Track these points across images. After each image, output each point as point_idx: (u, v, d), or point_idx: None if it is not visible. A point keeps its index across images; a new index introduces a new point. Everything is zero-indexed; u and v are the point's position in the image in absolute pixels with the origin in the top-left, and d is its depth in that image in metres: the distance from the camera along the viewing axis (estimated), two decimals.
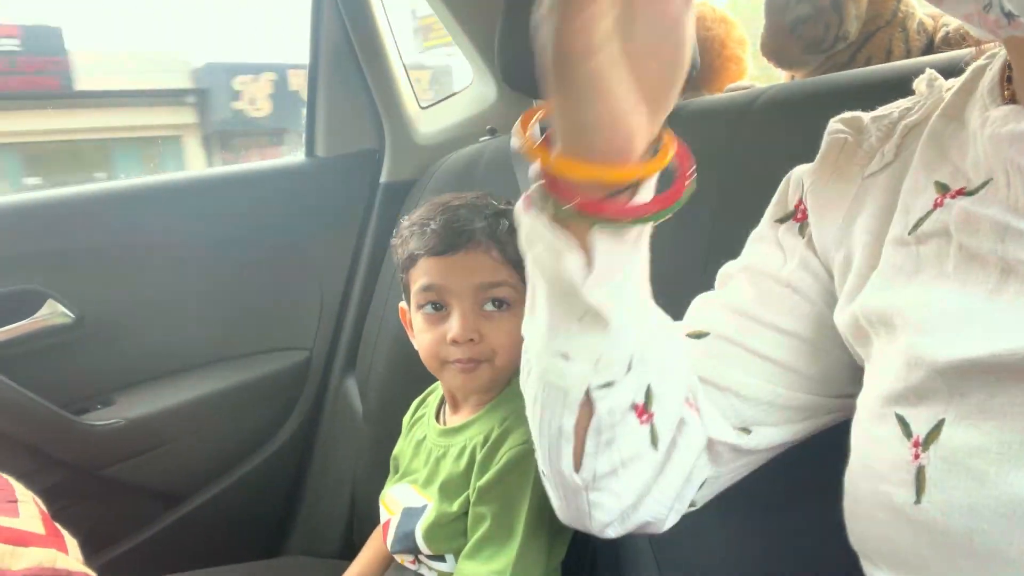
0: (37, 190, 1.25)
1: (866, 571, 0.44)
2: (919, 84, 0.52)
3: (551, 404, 0.47)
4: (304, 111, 1.40)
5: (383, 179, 1.39)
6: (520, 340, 0.74)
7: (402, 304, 0.81)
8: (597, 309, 0.43)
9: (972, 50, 0.50)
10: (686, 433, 0.49)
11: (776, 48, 1.22)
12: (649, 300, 0.48)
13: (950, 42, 1.08)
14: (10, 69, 8.50)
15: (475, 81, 1.47)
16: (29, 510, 0.74)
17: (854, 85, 0.75)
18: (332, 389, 1.37)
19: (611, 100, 0.38)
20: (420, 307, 0.76)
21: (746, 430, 0.51)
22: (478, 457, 0.72)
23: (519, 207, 0.45)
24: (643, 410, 0.47)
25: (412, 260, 0.76)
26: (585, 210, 0.41)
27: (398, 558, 0.82)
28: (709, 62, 1.28)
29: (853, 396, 0.46)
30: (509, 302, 0.74)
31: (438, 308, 0.74)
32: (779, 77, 1.30)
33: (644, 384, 0.47)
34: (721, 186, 0.75)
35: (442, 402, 0.84)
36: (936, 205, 0.43)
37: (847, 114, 0.54)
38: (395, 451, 0.89)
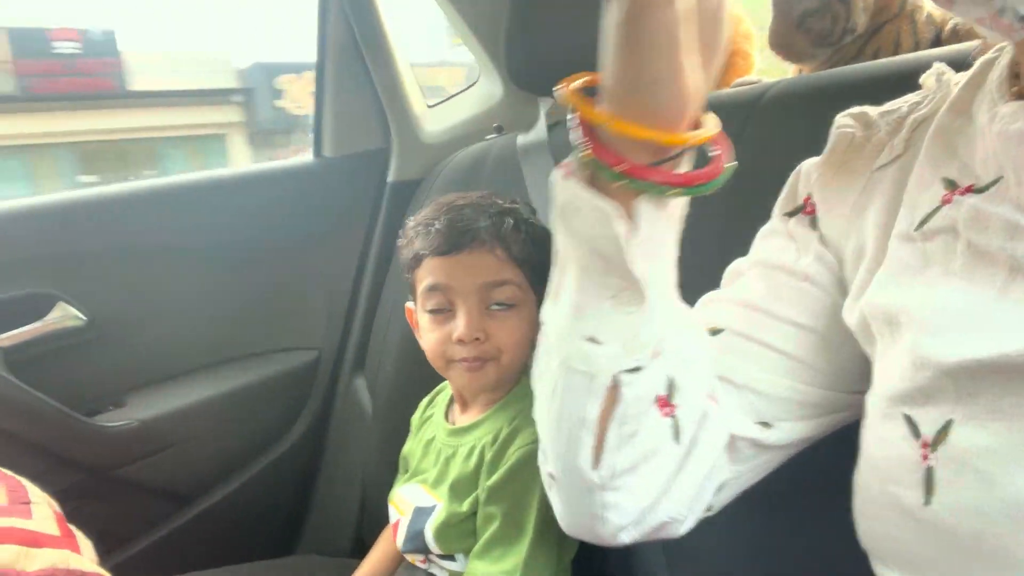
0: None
1: (876, 571, 0.44)
2: (927, 79, 0.52)
3: (573, 392, 0.46)
4: None
5: (390, 178, 1.39)
6: (526, 338, 0.75)
7: (409, 304, 0.81)
8: (637, 280, 0.43)
9: (980, 43, 0.49)
10: (708, 427, 0.48)
11: (784, 42, 1.21)
12: (675, 285, 0.47)
13: (959, 34, 1.07)
14: (69, 71, 8.98)
15: (482, 79, 1.47)
16: (43, 511, 0.74)
17: (862, 79, 0.75)
18: (341, 388, 1.38)
19: (680, 54, 0.38)
20: (426, 307, 0.76)
21: (767, 424, 0.51)
22: (487, 457, 0.72)
23: (557, 175, 0.45)
24: (666, 401, 0.46)
25: (417, 260, 0.76)
26: (636, 175, 0.41)
27: (408, 557, 0.82)
28: None
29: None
30: (514, 301, 0.74)
31: (443, 307, 0.74)
32: (787, 71, 1.29)
33: (667, 374, 0.46)
34: (729, 181, 0.74)
35: (451, 402, 0.84)
36: (944, 202, 0.42)
37: (855, 109, 0.54)
38: (404, 451, 0.89)
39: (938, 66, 0.52)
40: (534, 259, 0.75)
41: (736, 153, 0.45)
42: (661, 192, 0.42)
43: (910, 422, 0.40)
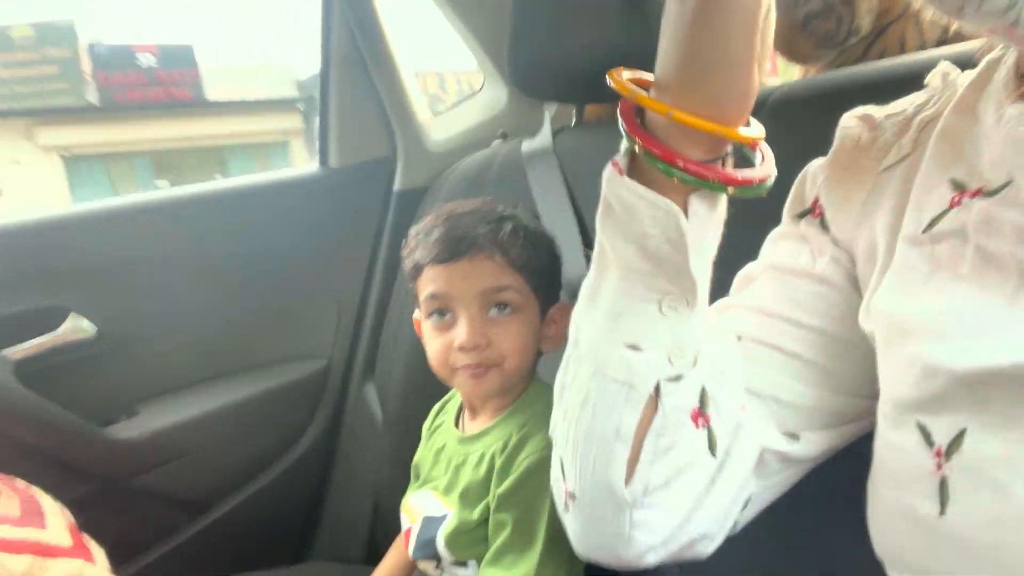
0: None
1: None
2: (932, 78, 0.51)
3: (608, 403, 0.44)
4: None
5: (396, 187, 1.39)
6: (528, 343, 0.75)
7: (415, 315, 0.81)
8: (695, 281, 0.42)
9: (985, 41, 0.48)
10: (742, 439, 0.47)
11: (788, 43, 1.21)
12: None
13: (964, 34, 1.07)
14: (148, 81, 9.83)
15: (486, 86, 1.48)
16: (57, 522, 0.75)
17: (867, 80, 0.75)
18: (352, 397, 1.38)
19: (754, 40, 0.38)
20: (428, 315, 0.76)
21: (794, 436, 0.49)
22: (497, 464, 0.72)
23: (609, 172, 0.43)
24: (699, 412, 0.45)
25: (418, 269, 0.76)
26: (694, 171, 0.40)
27: (421, 564, 0.82)
28: None
29: None
30: (515, 306, 0.74)
31: (445, 315, 0.75)
32: (794, 72, 1.29)
33: (700, 384, 0.45)
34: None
35: (461, 409, 0.85)
36: (953, 204, 0.41)
37: (859, 110, 0.53)
38: (415, 459, 0.89)
39: (943, 65, 0.51)
40: (534, 264, 0.75)
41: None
42: (719, 191, 0.41)
43: (923, 430, 0.39)
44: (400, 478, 0.93)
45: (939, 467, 0.37)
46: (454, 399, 0.88)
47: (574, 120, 1.08)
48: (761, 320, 0.50)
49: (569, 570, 0.72)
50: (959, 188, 0.41)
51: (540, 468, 0.69)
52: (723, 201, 0.43)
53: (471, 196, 0.83)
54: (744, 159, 0.44)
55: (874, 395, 0.48)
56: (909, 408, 0.40)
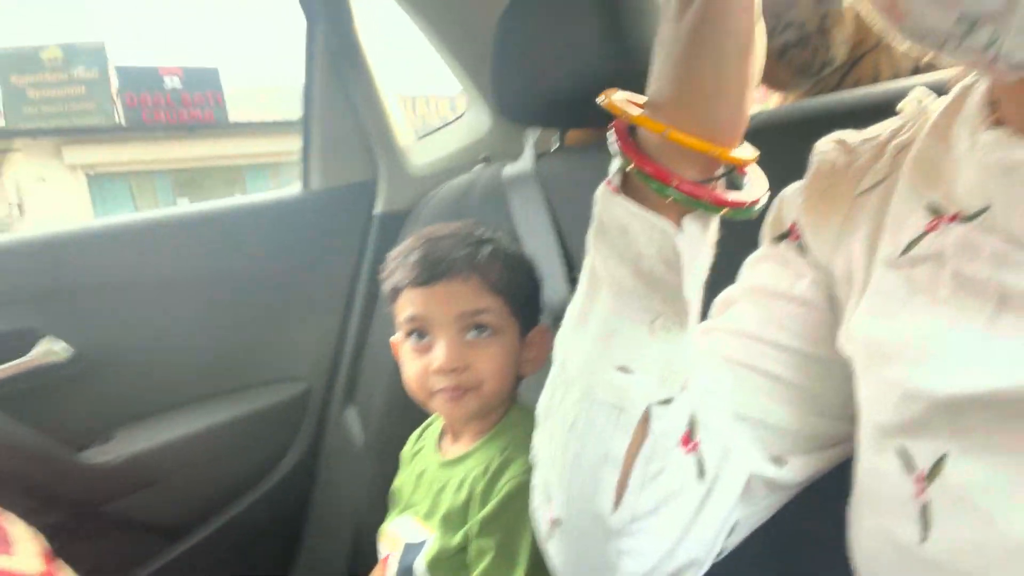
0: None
1: None
2: (906, 104, 0.51)
3: (598, 427, 0.43)
4: None
5: (378, 210, 1.39)
6: (507, 367, 0.74)
7: (394, 338, 0.81)
8: (688, 302, 0.42)
9: (957, 70, 0.49)
10: (730, 463, 0.46)
11: (767, 71, 1.23)
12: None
13: (936, 65, 1.10)
14: (174, 103, 10.40)
15: (469, 110, 1.49)
16: (27, 548, 0.73)
17: (843, 107, 0.76)
18: (332, 420, 1.37)
19: (749, 63, 0.39)
20: (406, 337, 0.76)
21: (780, 460, 0.48)
22: (478, 489, 0.72)
23: (602, 191, 0.43)
24: (688, 437, 0.44)
25: (396, 292, 0.77)
26: (689, 192, 0.40)
27: None
28: None
29: None
30: (493, 328, 0.74)
31: (423, 338, 0.75)
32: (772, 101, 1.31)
33: (690, 408, 0.44)
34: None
35: (442, 433, 0.84)
36: (929, 228, 0.41)
37: (834, 135, 0.53)
38: (395, 485, 0.88)
39: (917, 91, 0.51)
40: (514, 287, 0.75)
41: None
42: (713, 211, 0.41)
43: (903, 455, 0.39)
44: (381, 503, 0.92)
45: (921, 492, 0.37)
46: (435, 424, 0.87)
47: (556, 144, 1.09)
48: (743, 343, 0.50)
49: None
50: (935, 212, 0.42)
51: (522, 492, 0.68)
52: (715, 222, 0.43)
53: (452, 219, 0.84)
54: (731, 183, 0.45)
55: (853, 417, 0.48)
56: (890, 432, 0.40)
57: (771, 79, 1.24)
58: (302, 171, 1.41)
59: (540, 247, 0.94)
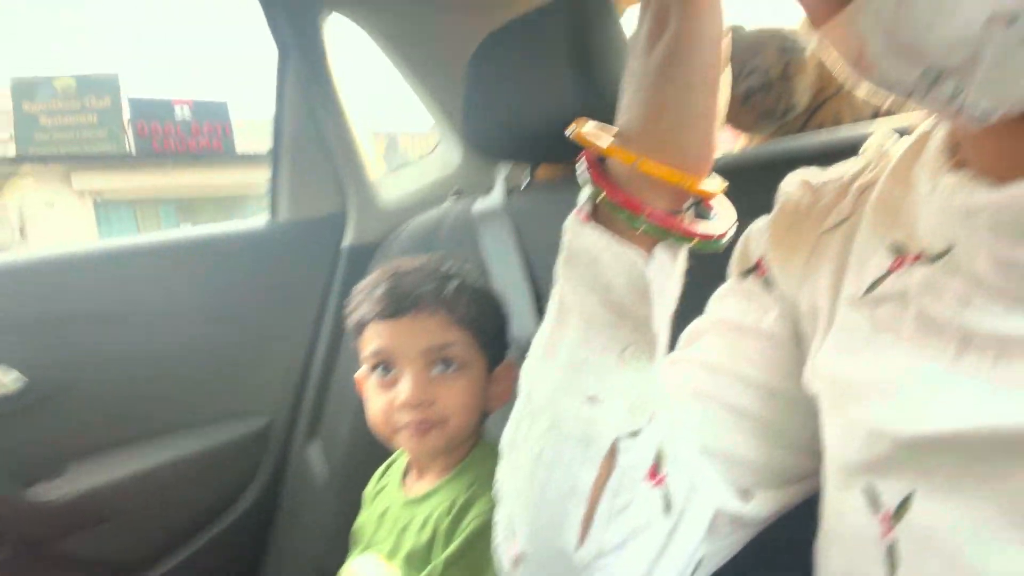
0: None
1: None
2: (868, 146, 0.52)
3: (565, 459, 0.42)
4: None
5: (346, 243, 1.38)
6: (473, 402, 0.74)
7: (358, 373, 0.80)
8: (655, 333, 0.42)
9: (919, 114, 0.50)
10: (696, 498, 0.46)
11: (732, 114, 1.26)
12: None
13: (894, 110, 1.13)
14: (184, 133, 10.84)
15: (441, 145, 1.49)
16: None
17: (807, 150, 0.77)
18: (294, 456, 1.34)
19: (715, 95, 0.40)
20: (371, 371, 0.75)
21: (747, 493, 0.48)
22: (442, 527, 0.71)
23: (572, 221, 0.43)
24: (655, 471, 0.44)
25: (362, 326, 0.76)
26: (659, 222, 0.41)
27: None
28: None
29: None
30: (460, 363, 0.74)
31: (388, 372, 0.74)
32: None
33: (657, 440, 0.44)
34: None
35: (407, 470, 0.83)
36: (892, 268, 0.42)
37: (798, 173, 0.54)
38: (356, 524, 0.86)
39: (880, 133, 0.52)
40: (481, 321, 0.75)
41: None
42: (683, 242, 0.42)
43: (870, 494, 0.38)
44: (343, 541, 0.90)
45: (888, 532, 0.37)
46: (398, 461, 0.86)
47: (527, 180, 1.10)
48: (710, 376, 0.50)
49: None
50: (898, 252, 0.42)
51: (487, 531, 0.67)
52: (684, 254, 0.44)
53: (422, 253, 0.83)
54: (699, 215, 0.45)
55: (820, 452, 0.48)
56: (856, 471, 0.40)
57: (735, 121, 1.27)
58: (270, 202, 1.39)
59: (509, 282, 0.94)
